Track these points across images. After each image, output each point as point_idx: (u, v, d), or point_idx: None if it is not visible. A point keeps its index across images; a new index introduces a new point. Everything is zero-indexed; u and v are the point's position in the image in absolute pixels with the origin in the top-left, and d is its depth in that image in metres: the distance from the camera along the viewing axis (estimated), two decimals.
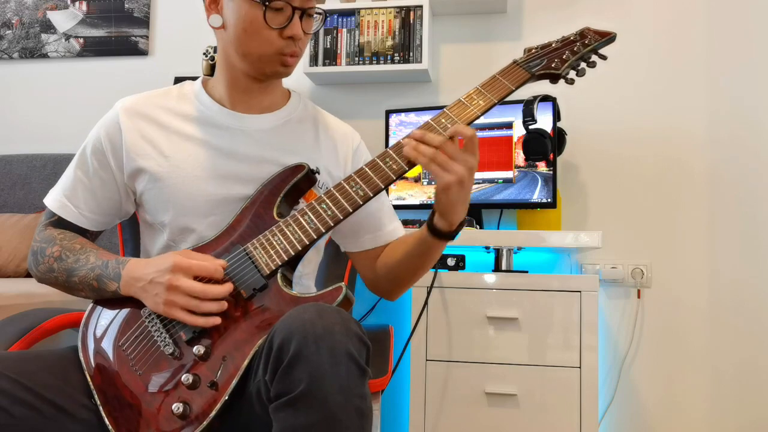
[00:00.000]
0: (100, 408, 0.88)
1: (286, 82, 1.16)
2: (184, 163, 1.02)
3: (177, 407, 0.83)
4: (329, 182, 1.09)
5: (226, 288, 0.89)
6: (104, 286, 0.95)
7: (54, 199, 1.05)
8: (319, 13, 1.04)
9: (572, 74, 1.06)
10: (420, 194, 2.11)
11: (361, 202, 0.93)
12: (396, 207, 1.73)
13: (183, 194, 1.01)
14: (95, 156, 1.05)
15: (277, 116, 1.10)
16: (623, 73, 2.18)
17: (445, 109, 0.97)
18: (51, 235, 1.02)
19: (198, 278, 0.90)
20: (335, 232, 1.15)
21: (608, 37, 1.06)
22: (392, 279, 1.10)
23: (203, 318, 0.88)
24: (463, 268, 1.86)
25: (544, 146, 1.83)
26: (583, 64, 1.06)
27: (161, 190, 1.02)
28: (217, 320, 0.88)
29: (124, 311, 0.96)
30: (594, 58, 1.06)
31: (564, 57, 1.03)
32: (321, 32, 2.24)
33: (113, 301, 0.97)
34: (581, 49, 1.04)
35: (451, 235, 0.99)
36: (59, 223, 1.05)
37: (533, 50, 1.05)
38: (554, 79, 1.04)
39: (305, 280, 1.12)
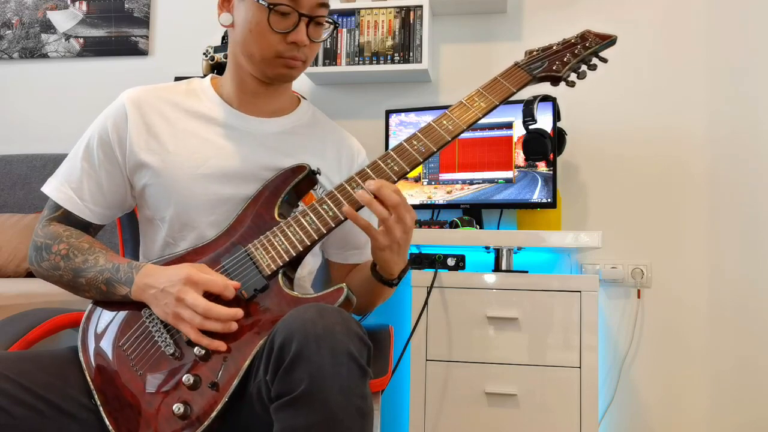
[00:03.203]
0: (100, 408, 0.88)
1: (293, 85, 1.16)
2: (189, 159, 1.02)
3: (177, 408, 0.83)
4: (329, 189, 1.09)
5: (233, 311, 0.87)
6: (114, 290, 0.94)
7: (58, 190, 1.03)
8: (330, 22, 1.03)
9: (573, 77, 1.06)
10: (420, 194, 2.11)
11: (363, 204, 0.93)
12: None
13: (185, 190, 1.01)
14: (102, 147, 1.03)
15: (284, 121, 1.10)
16: (623, 73, 2.18)
17: (446, 111, 0.98)
18: (56, 232, 1.00)
19: (208, 294, 0.89)
20: (325, 240, 1.15)
21: (609, 40, 1.06)
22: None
23: (207, 339, 0.87)
24: (463, 268, 1.86)
25: (544, 146, 1.83)
26: (583, 67, 1.07)
27: (163, 185, 1.01)
28: (222, 345, 0.87)
29: (125, 311, 0.95)
30: (594, 60, 1.07)
31: (565, 59, 1.04)
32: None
33: (114, 301, 0.97)
34: (582, 52, 1.05)
35: (391, 283, 1.00)
36: (64, 216, 1.03)
37: (534, 53, 1.06)
38: (555, 81, 1.04)
39: (302, 282, 1.12)
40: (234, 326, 0.88)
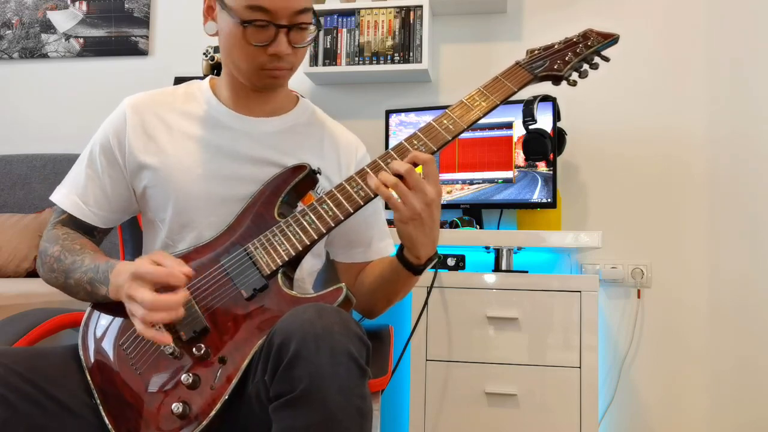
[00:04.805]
0: (100, 407, 0.88)
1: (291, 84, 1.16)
2: (187, 161, 1.02)
3: (177, 407, 0.83)
4: (328, 188, 1.08)
5: (177, 297, 0.82)
6: (97, 290, 0.93)
7: (64, 197, 1.05)
8: (313, 24, 0.98)
9: (574, 75, 1.05)
10: None
11: (362, 203, 0.93)
12: None
13: (183, 192, 1.01)
14: (104, 154, 1.04)
15: (282, 120, 1.09)
16: (623, 73, 2.18)
17: (447, 111, 0.97)
18: (55, 235, 1.02)
19: (158, 286, 0.84)
20: (328, 239, 1.14)
21: (611, 39, 1.05)
22: (367, 298, 1.08)
23: (152, 331, 0.82)
24: (463, 268, 1.86)
25: (544, 146, 1.83)
26: (585, 66, 1.06)
27: (162, 187, 1.02)
28: (168, 339, 0.83)
29: (125, 311, 0.95)
30: (596, 59, 1.06)
31: (566, 58, 1.03)
32: (321, 32, 2.24)
33: (115, 301, 0.97)
34: (584, 51, 1.04)
35: (417, 270, 0.97)
36: (69, 220, 1.04)
37: (536, 51, 1.05)
38: (556, 80, 1.03)
39: (302, 282, 1.12)
40: (181, 312, 0.83)
